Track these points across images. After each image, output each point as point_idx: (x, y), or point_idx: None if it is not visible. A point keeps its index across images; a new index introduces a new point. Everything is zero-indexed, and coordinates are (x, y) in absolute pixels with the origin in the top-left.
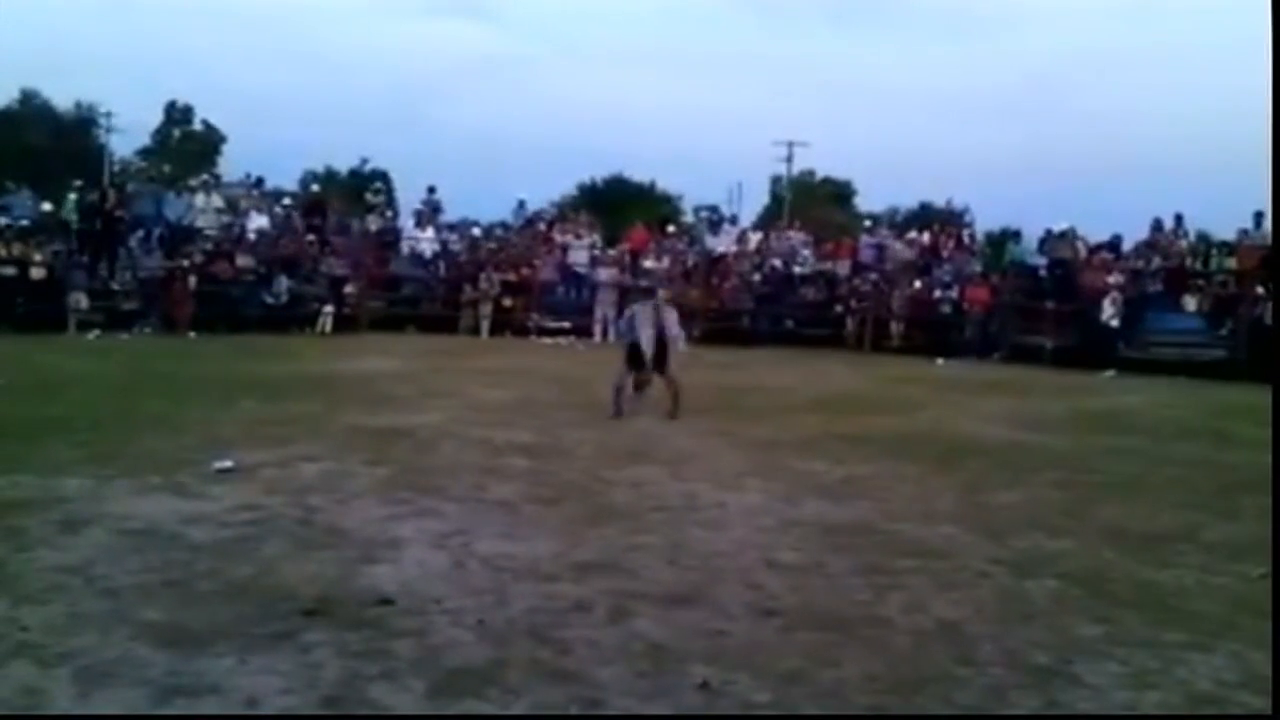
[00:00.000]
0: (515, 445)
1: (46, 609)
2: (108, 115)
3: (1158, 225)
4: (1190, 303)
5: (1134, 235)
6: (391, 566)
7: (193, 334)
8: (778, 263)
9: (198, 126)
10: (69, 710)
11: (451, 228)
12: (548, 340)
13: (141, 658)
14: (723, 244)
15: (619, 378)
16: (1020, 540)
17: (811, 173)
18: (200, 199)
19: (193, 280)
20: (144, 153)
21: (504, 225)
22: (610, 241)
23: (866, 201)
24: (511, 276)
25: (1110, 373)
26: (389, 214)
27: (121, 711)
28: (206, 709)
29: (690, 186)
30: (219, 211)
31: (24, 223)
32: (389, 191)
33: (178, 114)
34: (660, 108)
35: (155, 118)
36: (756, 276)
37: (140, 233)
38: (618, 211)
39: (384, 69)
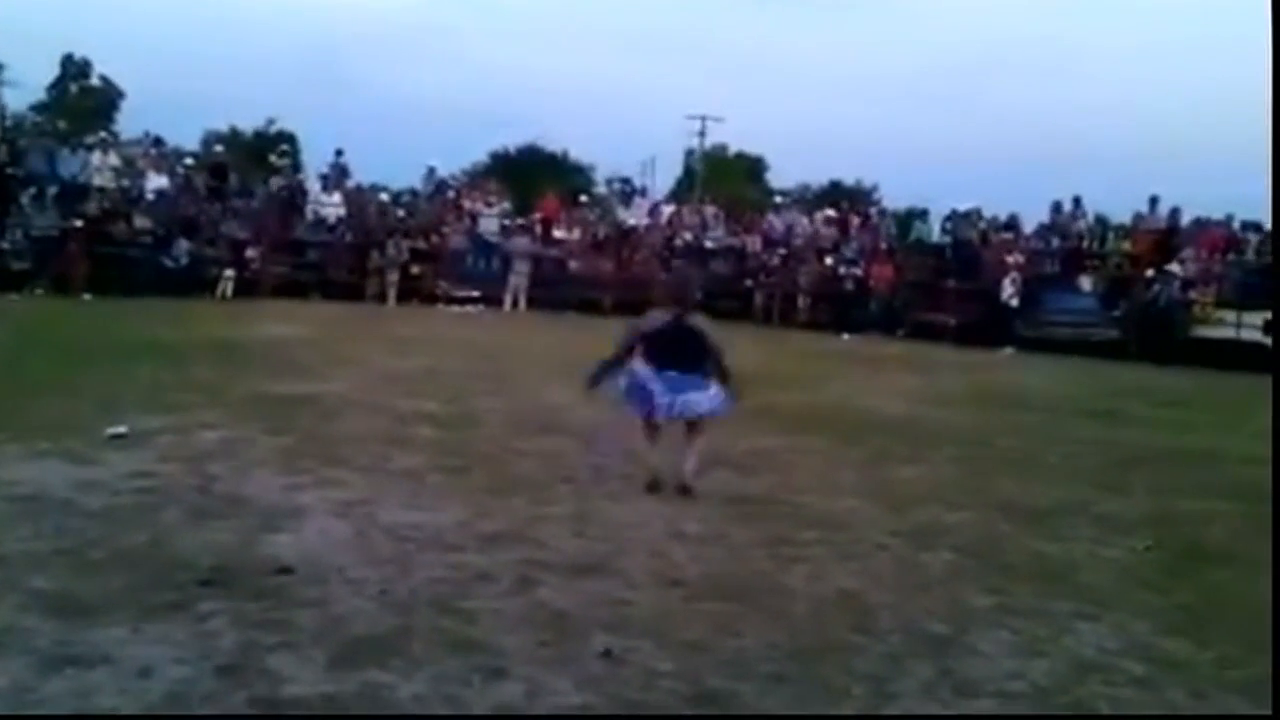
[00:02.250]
0: (422, 414)
1: None
2: (0, 68)
3: (1057, 207)
4: (1086, 283)
5: (1035, 218)
6: (292, 536)
7: (87, 296)
8: (688, 236)
9: (95, 81)
10: None
11: (358, 192)
12: (456, 309)
13: (30, 627)
14: (634, 216)
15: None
16: (919, 513)
17: (724, 148)
18: (97, 157)
19: (87, 241)
20: (38, 108)
21: (413, 193)
22: (522, 211)
23: (778, 178)
24: (420, 244)
25: (1009, 350)
26: (296, 177)
27: (6, 683)
28: (97, 678)
29: (603, 158)
30: (116, 171)
31: None
32: (295, 154)
33: (75, 68)
34: (577, 79)
35: (51, 71)
36: (667, 250)
37: (33, 190)
38: (530, 181)
39: (300, 27)
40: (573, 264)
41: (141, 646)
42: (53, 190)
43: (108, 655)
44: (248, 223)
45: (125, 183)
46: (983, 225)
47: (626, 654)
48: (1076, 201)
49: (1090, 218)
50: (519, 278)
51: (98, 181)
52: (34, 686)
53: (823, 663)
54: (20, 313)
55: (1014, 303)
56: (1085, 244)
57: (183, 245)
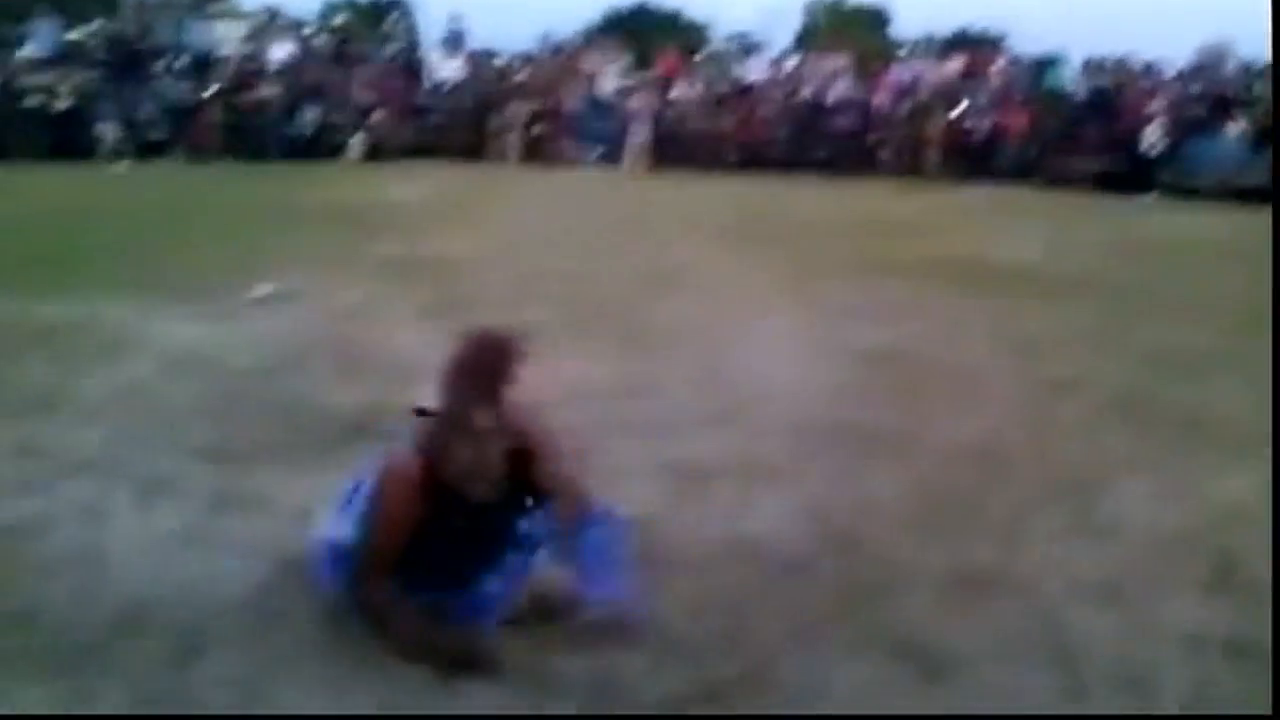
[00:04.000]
0: (549, 272)
1: (99, 429)
2: None
3: (1202, 52)
4: (1233, 129)
5: (1177, 64)
6: (428, 389)
7: (220, 163)
8: (810, 91)
9: None
10: (131, 519)
11: (476, 56)
12: (577, 169)
13: (195, 474)
14: (753, 72)
15: None
16: (1056, 363)
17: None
18: (222, 27)
19: (218, 110)
20: None
21: (529, 56)
22: (639, 70)
23: (901, 27)
24: (539, 105)
25: (1150, 198)
26: (414, 43)
27: (179, 524)
28: (257, 520)
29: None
30: (242, 40)
31: (48, 53)
32: (411, 20)
33: None
34: None
35: None
36: (788, 105)
37: (164, 61)
38: (646, 39)
39: None
40: (692, 122)
41: (297, 492)
42: (183, 61)
43: (266, 498)
44: (371, 89)
45: (251, 51)
46: (1120, 72)
47: (756, 500)
48: (1224, 46)
49: (1238, 62)
50: (638, 137)
51: (225, 51)
52: (204, 526)
53: (954, 509)
54: (160, 181)
55: (1155, 150)
56: (1232, 90)
57: (309, 112)
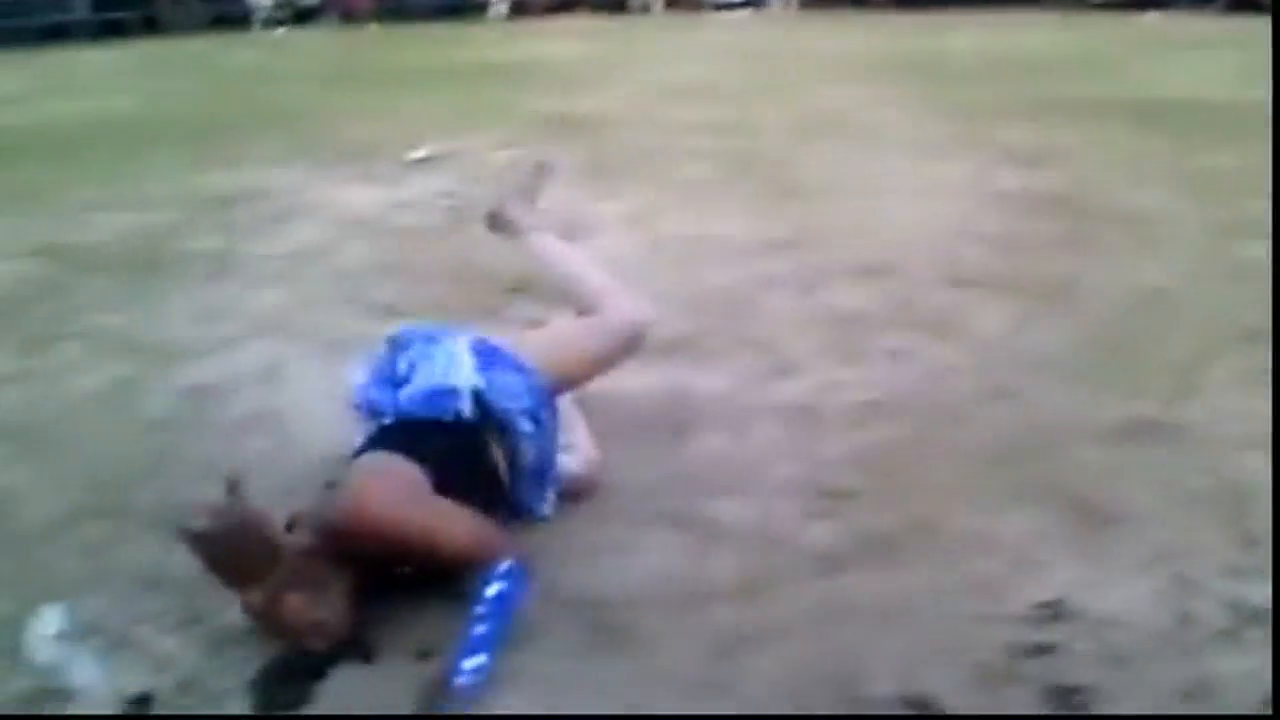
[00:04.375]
0: (701, 124)
1: (276, 291)
2: None
3: None
4: None
5: None
6: (585, 247)
7: (373, 26)
8: None
9: None
10: (312, 379)
11: None
12: (724, 14)
13: (367, 333)
14: None
15: None
16: (1233, 204)
17: None
18: None
19: None
20: None
21: None
22: None
23: None
24: None
25: None
26: None
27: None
28: None
29: None
30: None
31: None
32: None
33: None
34: None
35: None
36: None
37: None
38: None
39: None
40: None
41: None
42: None
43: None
44: None
45: None
46: None
47: (915, 351)
48: None
49: None
50: None
51: None
52: None
53: (1124, 356)
54: (316, 45)
55: None
56: None
57: None
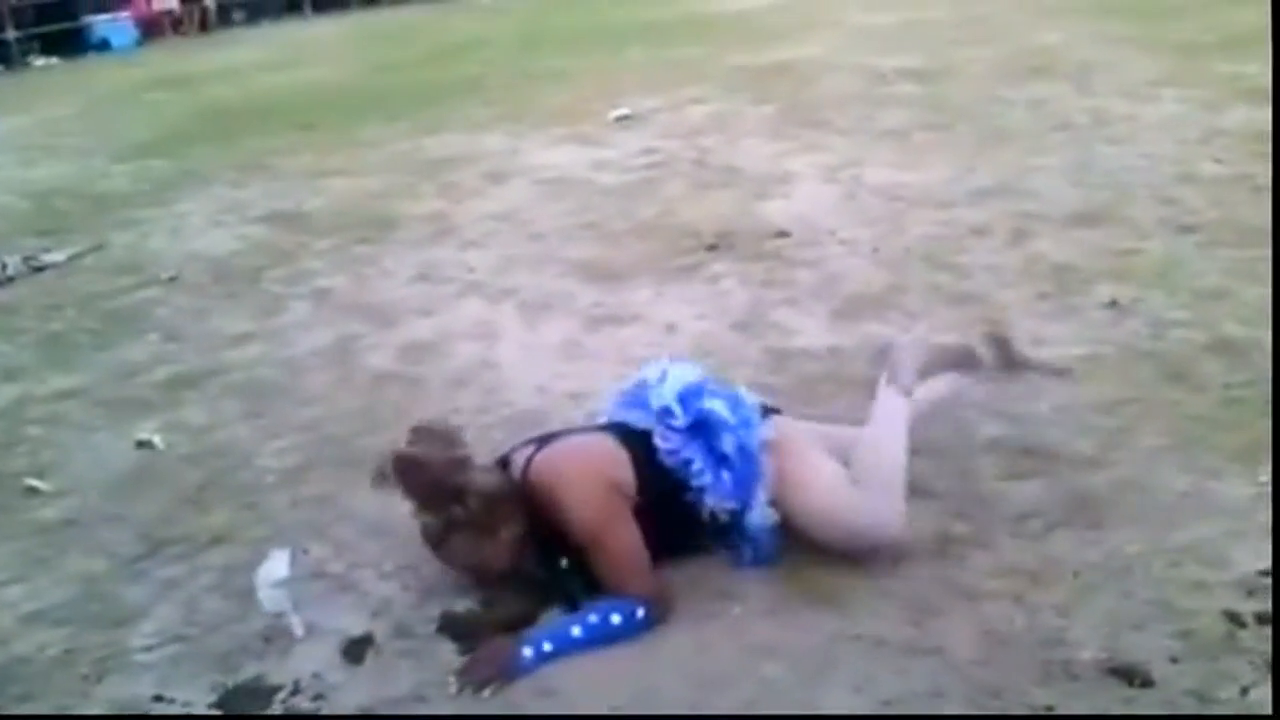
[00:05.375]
0: (902, 71)
1: (486, 252)
2: None
3: None
4: None
5: None
6: (785, 201)
7: None
8: None
9: None
10: (519, 335)
11: None
12: None
13: (571, 291)
14: None
15: None
16: None
17: None
18: None
19: None
20: None
21: None
22: None
23: None
24: None
25: None
26: None
27: (560, 338)
28: (631, 334)
29: None
30: None
31: None
32: None
33: None
34: None
35: None
36: None
37: None
38: None
39: None
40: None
41: (666, 305)
42: None
43: (639, 314)
44: None
45: None
46: None
47: (1134, 304)
48: None
49: None
50: None
51: None
52: (582, 340)
53: None
54: (517, 9)
55: None
56: None
57: None
